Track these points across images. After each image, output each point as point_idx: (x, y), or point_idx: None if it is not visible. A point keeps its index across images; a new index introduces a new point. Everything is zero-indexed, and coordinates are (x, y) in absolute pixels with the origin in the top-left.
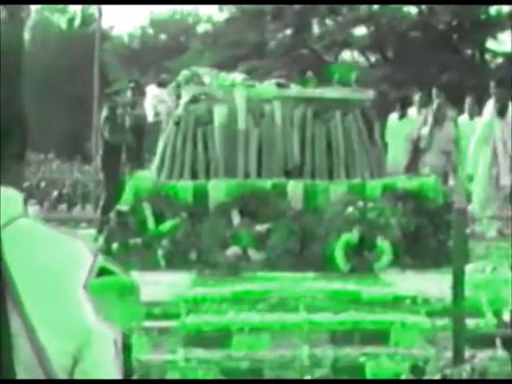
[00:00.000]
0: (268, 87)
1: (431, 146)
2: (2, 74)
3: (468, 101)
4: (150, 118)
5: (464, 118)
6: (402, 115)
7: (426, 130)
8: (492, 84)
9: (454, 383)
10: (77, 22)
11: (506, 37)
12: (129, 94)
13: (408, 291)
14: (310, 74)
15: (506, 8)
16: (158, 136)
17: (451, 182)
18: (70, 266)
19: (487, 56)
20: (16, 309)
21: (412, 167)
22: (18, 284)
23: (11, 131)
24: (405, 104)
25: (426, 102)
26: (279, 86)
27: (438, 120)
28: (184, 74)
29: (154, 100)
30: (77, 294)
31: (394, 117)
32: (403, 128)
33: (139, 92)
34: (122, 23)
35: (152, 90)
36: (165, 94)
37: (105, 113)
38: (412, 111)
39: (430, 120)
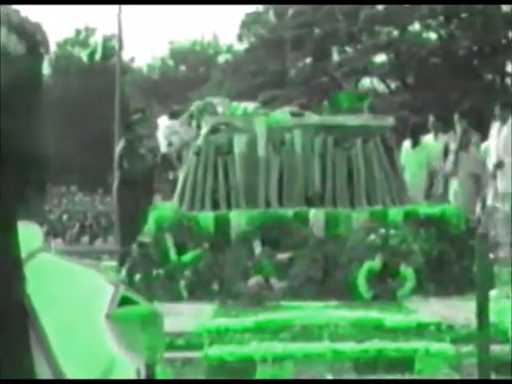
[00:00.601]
0: (287, 116)
1: (458, 171)
2: (22, 107)
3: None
4: (163, 148)
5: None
6: (415, 142)
7: (450, 156)
8: (497, 107)
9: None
10: (98, 55)
11: None
12: (137, 125)
13: (432, 318)
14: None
15: None
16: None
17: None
18: (91, 297)
19: (508, 80)
20: (40, 344)
21: (431, 194)
22: (40, 319)
23: (33, 162)
24: (416, 131)
25: (440, 128)
26: (293, 114)
27: (464, 144)
28: (197, 104)
29: (167, 131)
30: (99, 325)
31: (407, 144)
32: (417, 155)
33: (148, 123)
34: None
35: (164, 121)
36: (177, 124)
37: (122, 144)
38: (428, 137)
39: (455, 145)
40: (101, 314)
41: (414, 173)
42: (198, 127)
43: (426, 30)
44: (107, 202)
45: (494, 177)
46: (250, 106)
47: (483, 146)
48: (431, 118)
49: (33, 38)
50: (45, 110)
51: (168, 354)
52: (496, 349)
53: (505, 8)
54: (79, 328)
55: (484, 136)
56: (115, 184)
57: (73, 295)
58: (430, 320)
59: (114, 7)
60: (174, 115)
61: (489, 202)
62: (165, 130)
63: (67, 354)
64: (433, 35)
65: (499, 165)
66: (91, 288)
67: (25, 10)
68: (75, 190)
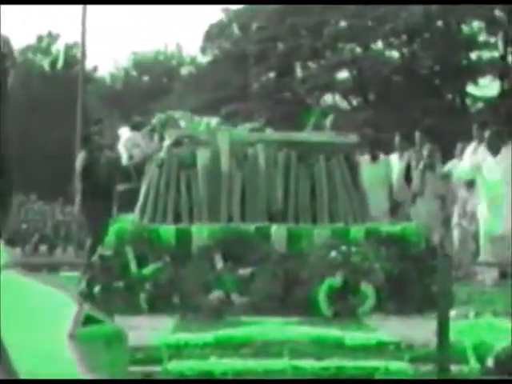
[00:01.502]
0: (250, 131)
1: (424, 192)
2: None
3: (397, 140)
4: (124, 160)
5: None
6: (374, 157)
7: (415, 175)
8: (475, 127)
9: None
10: (60, 63)
11: (486, 82)
12: (97, 136)
13: (392, 337)
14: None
15: (486, 54)
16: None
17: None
18: (54, 318)
19: (467, 101)
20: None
21: (394, 212)
22: (2, 337)
23: None
24: (376, 146)
25: (406, 147)
26: (254, 130)
27: (430, 164)
28: (159, 117)
29: (128, 143)
30: (62, 344)
31: (365, 159)
32: (377, 171)
33: (108, 134)
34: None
35: (125, 133)
36: (139, 137)
37: (83, 155)
38: (393, 156)
39: (420, 165)
40: (63, 333)
41: (372, 188)
42: (160, 140)
43: (388, 49)
44: (67, 211)
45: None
46: (213, 121)
47: (448, 165)
48: (397, 138)
49: None
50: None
51: (128, 369)
52: (454, 369)
53: (465, 28)
54: (41, 348)
55: (444, 155)
56: (78, 197)
57: (36, 315)
58: (390, 339)
59: (78, 14)
60: (135, 127)
61: (455, 219)
62: (126, 142)
63: (29, 373)
64: (395, 54)
65: (472, 184)
66: (55, 307)
67: None
68: (35, 198)
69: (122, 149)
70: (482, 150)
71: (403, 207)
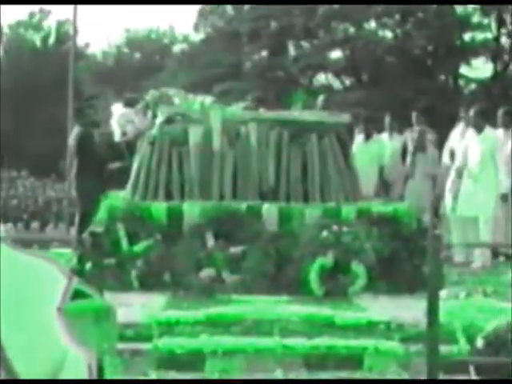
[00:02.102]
0: (243, 109)
1: (415, 172)
2: None
3: (387, 120)
4: (117, 137)
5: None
6: (368, 136)
7: (408, 156)
8: (462, 109)
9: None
10: (51, 40)
11: (479, 63)
12: (89, 110)
13: (382, 316)
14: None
15: (479, 35)
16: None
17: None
18: (43, 290)
19: (460, 82)
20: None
21: (382, 191)
22: None
23: None
24: (369, 125)
25: (396, 128)
26: (247, 109)
27: (421, 145)
28: (153, 94)
29: (121, 120)
30: (51, 318)
31: (359, 138)
32: (369, 150)
33: (101, 110)
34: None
35: (119, 109)
36: (132, 113)
37: (77, 131)
38: (383, 136)
39: (411, 145)
40: (53, 307)
41: (364, 167)
42: (154, 117)
43: (381, 28)
44: (59, 187)
45: (459, 177)
46: (207, 99)
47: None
48: (387, 118)
49: None
50: None
51: (117, 345)
52: (444, 349)
53: (459, 9)
54: (30, 321)
55: (438, 136)
56: (73, 171)
57: (25, 288)
58: (380, 318)
59: None
60: (128, 103)
61: (448, 202)
62: (119, 118)
63: (17, 346)
64: (388, 34)
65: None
66: (44, 281)
67: None
68: (26, 174)
69: (115, 125)
70: (470, 133)
71: (394, 187)
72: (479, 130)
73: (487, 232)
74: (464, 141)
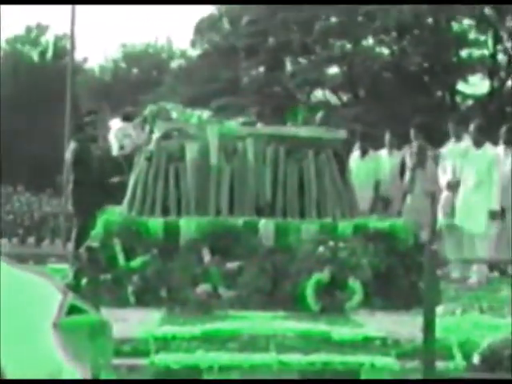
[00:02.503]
0: (240, 124)
1: (414, 188)
2: None
3: (387, 136)
4: (115, 151)
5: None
6: (364, 152)
7: (407, 173)
8: (451, 124)
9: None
10: (49, 55)
11: (476, 80)
12: (89, 127)
13: (378, 332)
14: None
15: (476, 52)
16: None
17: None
18: (39, 306)
19: (457, 98)
20: None
21: (380, 207)
22: None
23: None
24: (366, 141)
25: (395, 145)
26: (245, 124)
27: (420, 161)
28: (150, 108)
29: (119, 134)
30: (46, 334)
31: (355, 155)
32: (365, 166)
33: (101, 125)
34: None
35: (117, 124)
36: (130, 127)
37: (74, 145)
38: (383, 153)
39: (410, 162)
40: (48, 322)
41: (361, 184)
42: (151, 132)
43: (378, 45)
44: (55, 203)
45: (452, 192)
46: (205, 113)
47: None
48: (387, 135)
49: None
50: None
51: (114, 361)
52: (440, 365)
53: (456, 26)
54: (26, 336)
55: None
56: (70, 186)
57: (21, 303)
58: (377, 334)
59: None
60: (126, 118)
61: (441, 217)
62: (117, 132)
63: (13, 360)
64: (385, 50)
65: (458, 183)
66: (40, 296)
67: None
68: (22, 189)
69: (112, 139)
70: (464, 148)
71: (393, 204)
72: (478, 145)
73: (483, 248)
74: (455, 155)
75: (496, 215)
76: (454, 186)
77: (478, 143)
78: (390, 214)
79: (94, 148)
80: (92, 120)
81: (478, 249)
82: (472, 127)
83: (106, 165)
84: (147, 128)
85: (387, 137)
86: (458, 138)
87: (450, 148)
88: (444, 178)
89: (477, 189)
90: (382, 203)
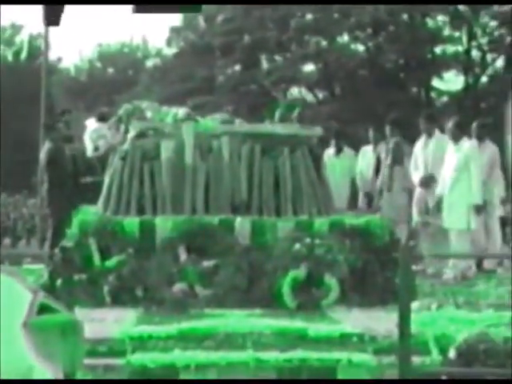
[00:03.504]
0: (215, 123)
1: (391, 185)
2: None
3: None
4: (89, 152)
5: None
6: (339, 150)
7: (384, 169)
8: (422, 121)
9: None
10: (24, 54)
11: (450, 76)
12: (62, 126)
13: (355, 328)
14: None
15: (450, 48)
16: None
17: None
18: (8, 305)
19: (433, 94)
20: None
21: (353, 204)
22: None
23: None
24: (340, 138)
25: (378, 139)
26: (224, 122)
27: (397, 158)
28: (125, 108)
29: (94, 135)
30: (16, 334)
31: (330, 152)
32: (341, 163)
33: (74, 124)
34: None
35: (92, 124)
36: (105, 128)
37: (48, 145)
38: (368, 148)
39: (387, 159)
40: (18, 322)
41: (337, 181)
42: (126, 131)
43: (354, 42)
44: (31, 203)
45: (426, 188)
46: (180, 111)
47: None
48: (371, 131)
49: None
50: None
51: (90, 361)
52: (417, 360)
53: (430, 23)
54: None
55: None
56: (45, 186)
57: None
58: (353, 330)
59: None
60: (101, 118)
61: (416, 215)
62: (91, 133)
63: None
64: (361, 47)
65: (430, 179)
66: (9, 295)
67: None
68: None
69: (87, 140)
70: (434, 144)
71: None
72: (456, 140)
73: (462, 243)
74: (426, 151)
75: (480, 209)
76: (427, 182)
77: (455, 138)
78: (375, 210)
79: (68, 148)
80: (65, 120)
81: (460, 244)
82: (450, 123)
83: (80, 165)
84: (122, 128)
85: (371, 133)
86: (429, 135)
87: (421, 144)
88: (416, 175)
89: (456, 184)
90: (365, 199)
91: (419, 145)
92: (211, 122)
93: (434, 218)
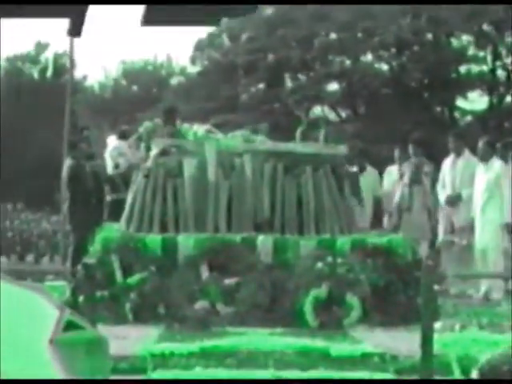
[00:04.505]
0: (237, 141)
1: (413, 205)
2: None
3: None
4: (110, 169)
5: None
6: (362, 169)
7: (405, 188)
8: (451, 139)
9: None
10: (49, 73)
11: (475, 96)
12: (84, 144)
13: (376, 348)
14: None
15: (475, 68)
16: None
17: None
18: (35, 322)
19: (457, 114)
20: None
21: (376, 223)
22: None
23: None
24: (362, 158)
25: (404, 159)
26: (246, 139)
27: (417, 177)
28: (146, 126)
29: (114, 152)
30: (43, 349)
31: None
32: (364, 182)
33: (94, 142)
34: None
35: (112, 142)
36: (125, 146)
37: (70, 163)
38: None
39: (408, 178)
40: (45, 338)
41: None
42: (147, 150)
43: (378, 61)
44: (54, 220)
45: (452, 206)
46: (201, 128)
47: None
48: (396, 151)
49: None
50: None
51: (112, 378)
52: None
53: (455, 42)
54: (22, 352)
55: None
56: (67, 203)
57: (18, 320)
58: (375, 350)
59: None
60: (122, 136)
61: (442, 234)
62: (112, 151)
63: (10, 376)
64: (384, 66)
65: (457, 198)
66: (36, 312)
67: None
68: (21, 207)
69: (107, 158)
70: (463, 163)
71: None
72: (486, 160)
73: (497, 262)
74: (455, 170)
75: (510, 228)
76: (453, 201)
77: (485, 158)
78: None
79: (90, 165)
80: (85, 136)
81: (492, 263)
82: (480, 142)
83: (102, 182)
84: (142, 146)
85: (396, 152)
86: (458, 153)
87: (449, 163)
88: (443, 193)
89: (488, 203)
90: (390, 219)
91: (447, 163)
92: (233, 139)
93: (460, 237)
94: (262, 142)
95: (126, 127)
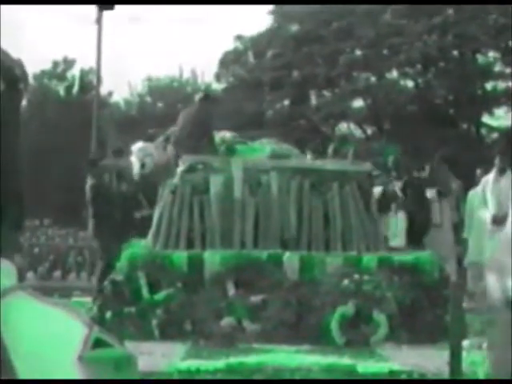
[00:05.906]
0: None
1: (444, 221)
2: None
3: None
4: (135, 170)
5: None
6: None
7: (435, 204)
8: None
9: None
10: (75, 89)
11: (501, 112)
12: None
13: (404, 366)
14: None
15: (501, 84)
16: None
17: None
18: (64, 339)
19: (483, 131)
20: None
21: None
22: (12, 359)
23: (9, 202)
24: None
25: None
26: (274, 156)
27: (446, 192)
28: (173, 129)
29: (140, 153)
30: (71, 367)
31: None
32: None
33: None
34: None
35: (138, 144)
36: (152, 147)
37: (90, 182)
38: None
39: (434, 193)
40: (73, 356)
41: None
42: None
43: (403, 78)
44: (81, 236)
45: (498, 225)
46: (228, 134)
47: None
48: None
49: (12, 74)
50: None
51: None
52: None
53: (481, 58)
54: (50, 370)
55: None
56: (91, 221)
57: (45, 337)
58: (402, 368)
59: (93, 40)
60: (150, 139)
61: (488, 253)
62: (138, 151)
63: None
64: (410, 83)
65: (504, 218)
66: (64, 330)
67: (3, 42)
68: (49, 223)
69: (134, 159)
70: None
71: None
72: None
73: None
74: (498, 188)
75: None
76: (501, 221)
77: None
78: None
79: (118, 183)
80: (118, 157)
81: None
82: (497, 159)
83: (128, 199)
84: (169, 148)
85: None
86: (503, 171)
87: (491, 180)
88: (484, 210)
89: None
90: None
91: (489, 181)
92: (260, 157)
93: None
94: (287, 159)
95: (153, 130)
